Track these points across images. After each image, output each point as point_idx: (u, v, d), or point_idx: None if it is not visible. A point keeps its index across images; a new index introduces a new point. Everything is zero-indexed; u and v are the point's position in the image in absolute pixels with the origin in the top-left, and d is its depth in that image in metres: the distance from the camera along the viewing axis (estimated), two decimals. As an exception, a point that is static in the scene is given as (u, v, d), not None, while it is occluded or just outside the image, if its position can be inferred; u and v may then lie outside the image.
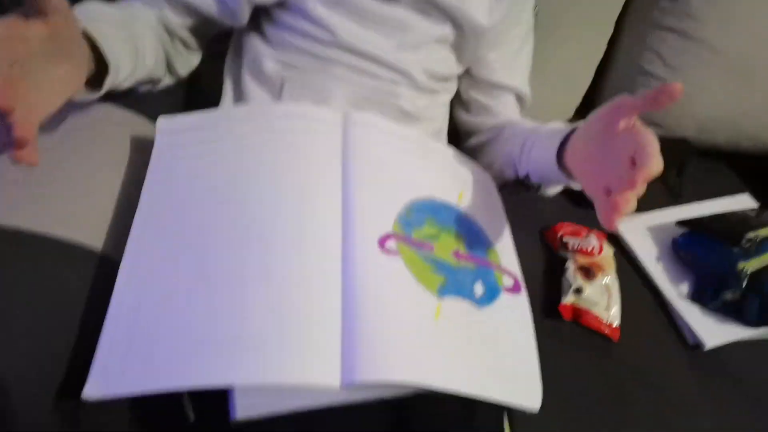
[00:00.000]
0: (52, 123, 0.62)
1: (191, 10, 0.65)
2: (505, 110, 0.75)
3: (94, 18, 0.54)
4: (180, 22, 0.66)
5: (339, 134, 0.57)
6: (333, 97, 0.65)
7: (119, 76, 0.55)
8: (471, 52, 0.70)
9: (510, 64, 0.74)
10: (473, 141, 0.78)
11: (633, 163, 0.43)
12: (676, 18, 0.85)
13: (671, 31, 0.86)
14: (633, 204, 0.43)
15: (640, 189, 0.42)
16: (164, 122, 0.58)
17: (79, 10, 0.55)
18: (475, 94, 0.76)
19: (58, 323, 0.47)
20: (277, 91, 0.66)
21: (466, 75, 0.75)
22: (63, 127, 0.62)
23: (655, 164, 0.41)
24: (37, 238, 0.50)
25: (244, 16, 0.66)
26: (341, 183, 0.52)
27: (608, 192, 0.45)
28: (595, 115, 0.51)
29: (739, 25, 0.85)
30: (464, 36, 0.67)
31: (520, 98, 0.77)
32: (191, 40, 0.68)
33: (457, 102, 0.79)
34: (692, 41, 0.86)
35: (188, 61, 0.71)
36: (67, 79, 0.46)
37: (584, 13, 0.85)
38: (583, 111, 0.97)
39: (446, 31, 0.66)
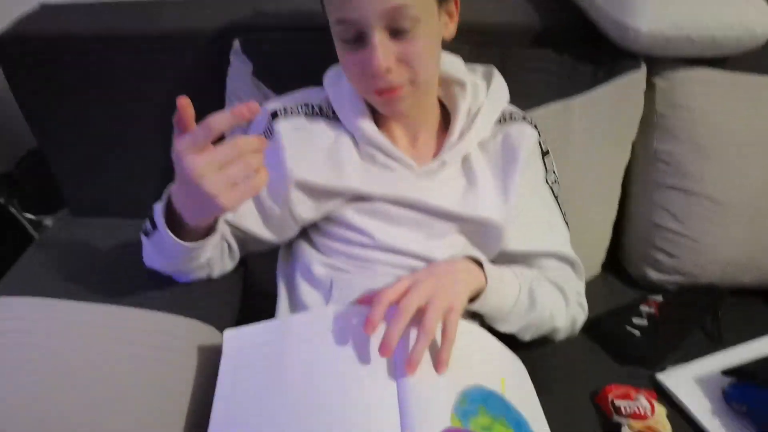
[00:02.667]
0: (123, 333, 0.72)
1: (242, 230, 0.76)
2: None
3: None
4: (233, 233, 0.76)
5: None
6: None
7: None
8: (495, 241, 0.77)
9: (532, 231, 0.78)
10: None
11: None
12: (674, 177, 0.94)
13: (673, 189, 0.95)
14: None
15: None
16: (230, 334, 0.65)
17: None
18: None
19: None
20: (327, 292, 0.74)
21: (502, 254, 0.80)
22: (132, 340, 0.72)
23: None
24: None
25: (293, 236, 0.77)
26: (396, 378, 0.56)
27: None
28: None
29: (732, 176, 0.93)
30: (483, 227, 0.75)
31: (563, 259, 0.80)
32: (236, 249, 0.78)
33: None
34: (694, 196, 0.94)
35: (224, 265, 0.80)
36: None
37: (592, 181, 0.95)
38: (608, 266, 1.04)
39: (465, 226, 0.75)
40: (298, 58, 0.88)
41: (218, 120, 0.53)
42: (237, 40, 0.89)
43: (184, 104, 0.54)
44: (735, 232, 0.94)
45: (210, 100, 0.96)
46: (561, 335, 0.80)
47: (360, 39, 0.64)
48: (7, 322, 0.79)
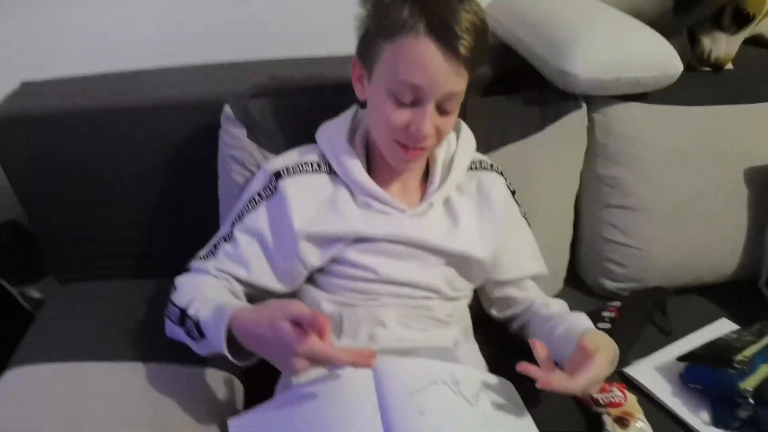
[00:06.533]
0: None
1: (258, 287, 0.83)
2: (527, 294, 0.93)
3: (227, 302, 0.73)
4: (245, 291, 0.84)
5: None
6: (386, 323, 0.81)
7: None
8: (480, 273, 0.89)
9: (518, 260, 0.93)
10: (513, 327, 0.95)
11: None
12: (617, 197, 1.10)
13: (617, 207, 1.10)
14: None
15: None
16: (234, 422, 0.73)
17: (206, 298, 0.75)
18: (499, 293, 0.94)
19: None
20: (337, 327, 0.82)
21: (488, 280, 0.92)
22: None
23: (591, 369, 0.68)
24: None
25: (301, 282, 0.85)
26: None
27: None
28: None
29: (664, 191, 1.09)
30: (467, 261, 0.86)
31: (537, 278, 0.95)
32: (240, 293, 0.84)
33: (487, 302, 0.97)
34: (634, 211, 1.09)
35: None
36: None
37: (548, 207, 1.08)
38: (568, 280, 1.17)
39: (452, 259, 0.85)
40: (287, 119, 0.97)
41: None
42: (227, 105, 0.97)
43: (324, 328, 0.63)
44: (671, 239, 1.10)
45: (199, 166, 1.04)
46: None
47: (412, 102, 0.74)
48: (27, 388, 0.83)
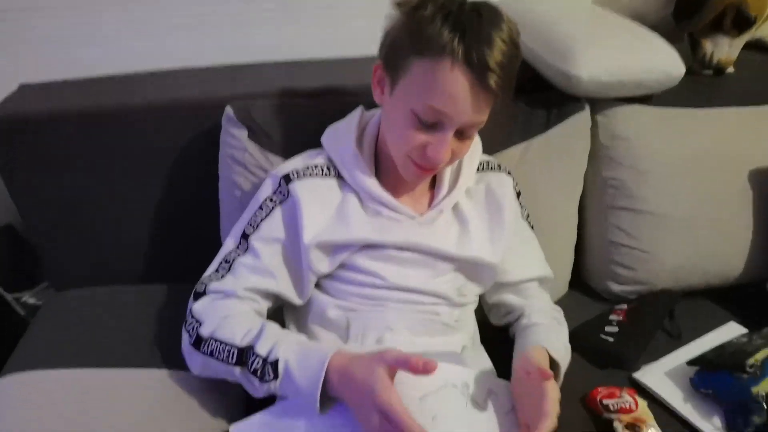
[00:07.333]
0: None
1: (280, 299, 0.82)
2: (525, 301, 0.91)
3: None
4: (268, 305, 0.82)
5: None
6: (393, 328, 0.80)
7: None
8: (490, 277, 0.87)
9: (522, 262, 0.91)
10: (511, 335, 0.93)
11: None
12: (622, 199, 1.08)
13: (623, 209, 1.09)
14: None
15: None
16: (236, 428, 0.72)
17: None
18: (497, 298, 0.92)
19: None
20: (344, 332, 0.81)
21: (495, 285, 0.90)
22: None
23: (550, 416, 0.66)
24: None
25: (311, 290, 0.83)
26: None
27: (527, 427, 0.69)
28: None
29: (669, 192, 1.08)
30: (477, 266, 0.85)
31: (542, 280, 0.94)
32: (264, 312, 0.82)
33: (485, 308, 0.95)
34: (640, 213, 1.08)
35: None
36: None
37: (553, 210, 1.07)
38: (573, 284, 1.16)
39: (461, 265, 0.84)
40: (289, 121, 0.95)
41: None
42: (229, 106, 0.96)
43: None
44: (678, 241, 1.08)
45: (199, 168, 1.03)
46: None
47: (433, 125, 0.72)
48: (22, 395, 0.80)
